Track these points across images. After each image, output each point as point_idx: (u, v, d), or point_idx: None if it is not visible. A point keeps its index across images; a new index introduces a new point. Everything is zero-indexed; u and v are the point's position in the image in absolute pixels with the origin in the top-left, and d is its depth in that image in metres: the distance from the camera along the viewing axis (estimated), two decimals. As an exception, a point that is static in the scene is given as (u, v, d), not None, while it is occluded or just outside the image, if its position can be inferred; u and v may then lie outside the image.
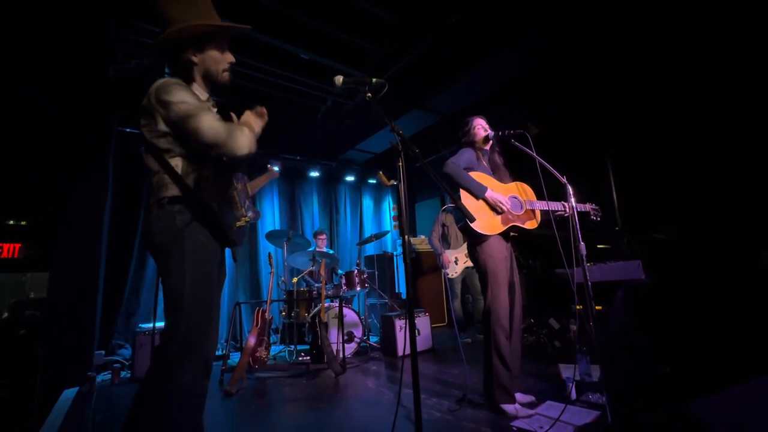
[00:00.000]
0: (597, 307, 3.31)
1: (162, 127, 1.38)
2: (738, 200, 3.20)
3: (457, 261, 4.53)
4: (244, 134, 1.41)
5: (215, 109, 1.60)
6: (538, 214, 2.44)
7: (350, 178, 6.73)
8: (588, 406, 2.16)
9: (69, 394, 3.01)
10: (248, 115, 1.53)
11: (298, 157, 5.94)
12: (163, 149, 1.40)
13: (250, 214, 1.62)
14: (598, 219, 2.48)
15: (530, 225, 2.39)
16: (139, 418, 1.28)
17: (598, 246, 4.01)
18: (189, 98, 1.38)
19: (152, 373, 1.32)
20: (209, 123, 1.34)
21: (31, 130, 3.66)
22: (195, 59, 1.49)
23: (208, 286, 1.42)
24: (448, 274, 4.55)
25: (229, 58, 1.57)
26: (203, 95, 1.54)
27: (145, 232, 1.44)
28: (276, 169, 2.51)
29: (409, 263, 1.36)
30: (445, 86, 4.21)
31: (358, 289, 4.34)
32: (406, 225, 1.38)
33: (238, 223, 1.51)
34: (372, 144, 5.80)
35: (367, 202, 7.15)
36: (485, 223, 2.23)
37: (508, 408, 2.13)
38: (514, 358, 2.27)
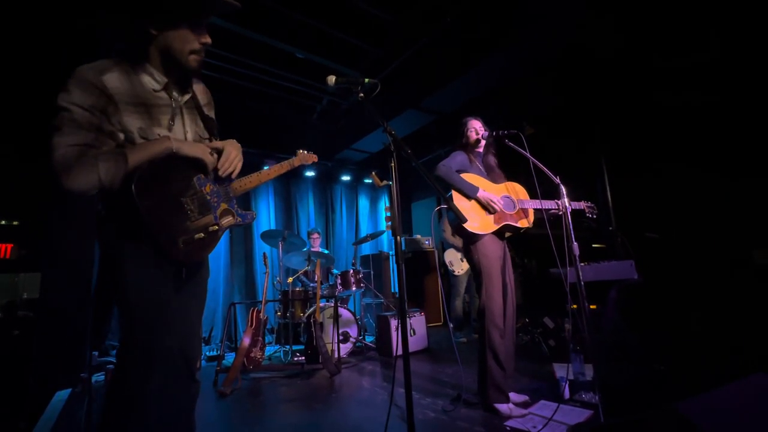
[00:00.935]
0: (592, 306, 3.33)
1: None
2: (730, 199, 3.23)
3: (463, 259, 4.54)
4: (83, 173, 1.12)
5: (184, 98, 1.38)
6: (530, 213, 2.45)
7: (346, 178, 6.72)
8: (581, 406, 2.18)
9: (62, 395, 3.00)
10: (226, 144, 1.39)
11: (293, 157, 5.92)
12: None
13: (228, 219, 1.42)
14: (594, 216, 2.49)
15: (523, 224, 2.40)
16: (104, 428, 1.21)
17: (594, 245, 4.03)
18: (75, 99, 1.16)
19: (112, 384, 1.24)
20: (57, 143, 1.11)
21: (22, 128, 3.62)
22: (153, 32, 1.23)
23: (154, 288, 1.26)
24: (454, 272, 4.57)
25: (205, 38, 1.30)
26: (155, 82, 1.29)
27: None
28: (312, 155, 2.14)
29: (402, 263, 1.36)
30: (441, 86, 4.21)
31: (354, 288, 4.34)
32: (399, 225, 1.38)
33: (197, 236, 1.29)
34: (368, 143, 5.79)
35: (363, 202, 7.14)
36: (478, 222, 2.24)
37: (502, 407, 2.13)
38: (508, 358, 2.28)
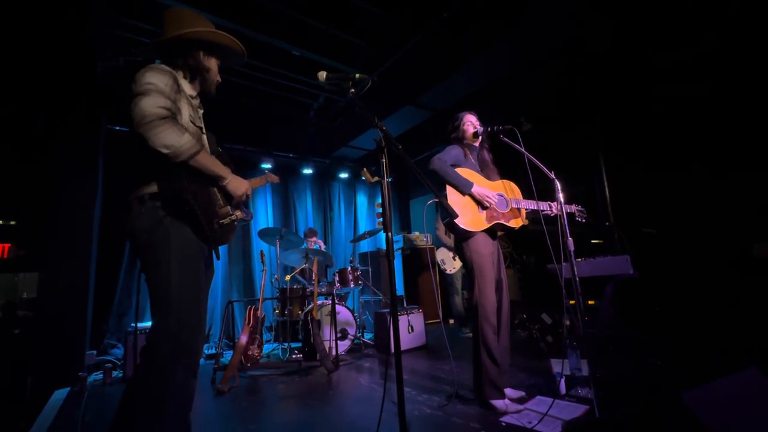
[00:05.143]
0: (590, 302, 3.33)
1: None
2: (729, 194, 3.22)
3: (455, 257, 4.55)
4: (174, 133, 1.28)
5: (201, 110, 1.66)
6: (523, 212, 2.45)
7: (344, 175, 6.71)
8: (577, 401, 2.18)
9: (60, 394, 3.00)
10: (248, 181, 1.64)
11: (291, 155, 5.92)
12: (141, 142, 1.29)
13: (237, 212, 1.60)
14: (583, 221, 2.49)
15: (515, 223, 2.39)
16: (129, 421, 1.24)
17: (592, 241, 4.03)
18: (156, 80, 1.33)
19: (142, 373, 1.28)
20: (148, 103, 1.26)
21: (18, 129, 3.62)
22: (205, 62, 1.56)
23: (196, 284, 1.39)
24: (446, 270, 4.57)
25: (218, 77, 1.68)
26: (192, 89, 1.59)
27: (127, 229, 1.40)
28: (275, 176, 2.29)
29: (393, 260, 1.36)
30: (437, 82, 4.20)
31: (352, 286, 4.34)
32: (390, 221, 1.37)
33: (222, 221, 1.48)
34: (365, 141, 5.78)
35: (361, 199, 7.13)
36: (469, 219, 2.23)
37: (498, 403, 2.14)
38: (503, 354, 2.28)
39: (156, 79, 1.33)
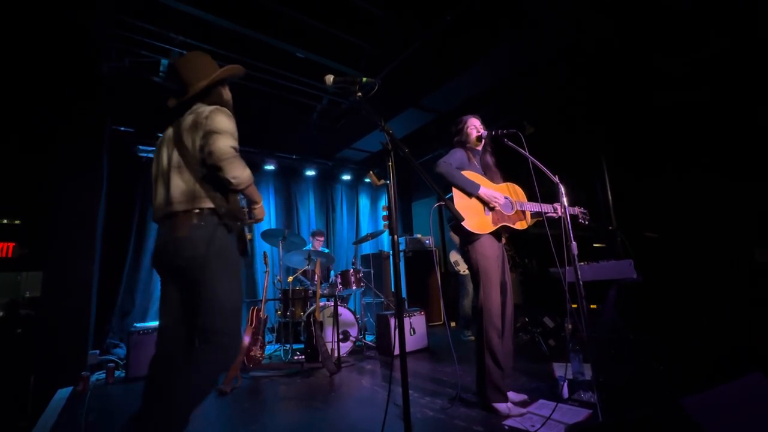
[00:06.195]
0: (592, 306, 3.33)
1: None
2: (731, 198, 3.22)
3: None
4: (241, 167, 1.55)
5: None
6: (528, 214, 2.45)
7: (346, 177, 6.72)
8: (579, 405, 2.17)
9: (63, 393, 3.01)
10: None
11: (294, 156, 5.94)
12: (200, 162, 1.55)
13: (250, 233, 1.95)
14: (587, 223, 2.49)
15: (520, 226, 2.40)
16: (161, 410, 1.38)
17: (595, 245, 4.03)
18: (229, 124, 1.59)
19: (188, 370, 1.43)
20: (226, 143, 1.52)
21: (23, 128, 3.64)
22: (225, 95, 1.83)
23: (241, 294, 1.62)
24: (460, 271, 4.58)
25: None
26: None
27: (179, 235, 1.51)
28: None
29: (399, 263, 1.36)
30: (440, 84, 4.21)
31: (354, 288, 4.34)
32: (396, 224, 1.38)
33: (248, 236, 1.74)
34: (368, 143, 5.79)
35: (364, 201, 7.14)
36: (475, 222, 2.24)
37: (501, 407, 2.14)
38: (506, 357, 2.28)
39: (228, 123, 1.59)
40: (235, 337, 1.52)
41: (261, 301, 3.70)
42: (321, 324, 3.57)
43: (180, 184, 1.56)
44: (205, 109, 1.61)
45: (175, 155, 1.59)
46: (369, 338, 4.68)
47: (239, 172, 1.53)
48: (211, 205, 1.56)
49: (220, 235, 1.55)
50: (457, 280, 4.76)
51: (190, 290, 1.53)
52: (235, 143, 1.57)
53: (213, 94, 1.76)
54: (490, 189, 2.31)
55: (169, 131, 1.71)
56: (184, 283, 1.55)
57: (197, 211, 1.54)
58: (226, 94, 1.84)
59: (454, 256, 4.63)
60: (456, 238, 4.56)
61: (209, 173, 1.55)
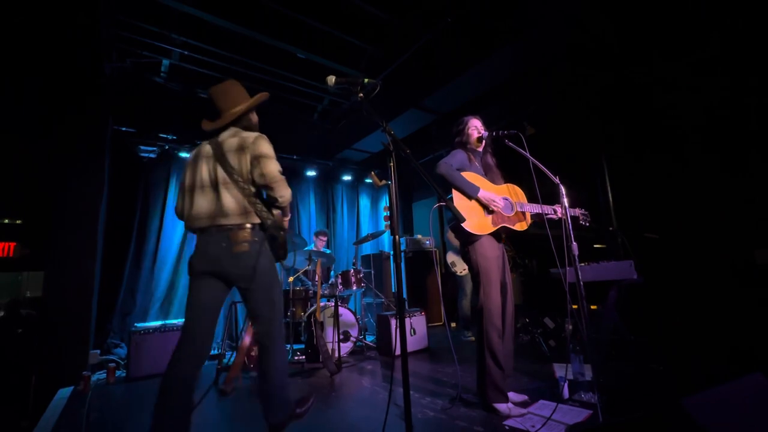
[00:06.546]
0: (593, 307, 3.34)
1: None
2: (732, 200, 3.22)
3: None
4: (287, 188, 1.84)
5: None
6: (528, 216, 2.46)
7: (347, 178, 6.73)
8: (580, 405, 2.18)
9: (64, 393, 3.02)
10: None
11: (294, 156, 5.94)
12: (249, 181, 1.80)
13: None
14: (587, 224, 2.49)
15: (520, 227, 2.40)
16: (271, 374, 1.87)
17: (595, 246, 4.03)
18: (272, 151, 1.86)
19: (271, 352, 1.85)
20: (277, 167, 1.82)
21: (25, 128, 3.65)
22: (254, 119, 2.08)
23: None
24: (457, 272, 4.58)
25: None
26: None
27: (238, 240, 1.74)
28: None
29: (400, 263, 1.37)
30: (441, 85, 4.21)
31: (355, 288, 4.35)
32: (397, 224, 1.39)
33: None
34: (369, 143, 5.80)
35: (364, 202, 7.15)
36: (476, 223, 2.24)
37: (501, 407, 2.14)
38: (507, 358, 2.28)
39: (271, 148, 1.85)
40: (282, 335, 1.92)
41: (262, 301, 3.69)
42: (321, 324, 3.57)
43: (230, 199, 1.76)
44: (249, 134, 1.87)
45: (220, 172, 1.78)
46: (369, 339, 4.68)
47: (286, 192, 1.83)
48: (259, 220, 1.79)
49: (267, 246, 1.83)
50: (455, 281, 4.76)
51: (245, 296, 1.82)
52: (280, 167, 1.84)
53: (244, 119, 1.99)
54: (489, 191, 2.32)
55: (207, 148, 1.88)
56: (241, 292, 1.82)
57: (249, 226, 1.77)
58: (254, 117, 2.08)
59: (451, 257, 4.64)
60: (453, 240, 4.58)
61: (257, 191, 1.82)
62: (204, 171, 1.82)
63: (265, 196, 1.86)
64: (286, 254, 1.98)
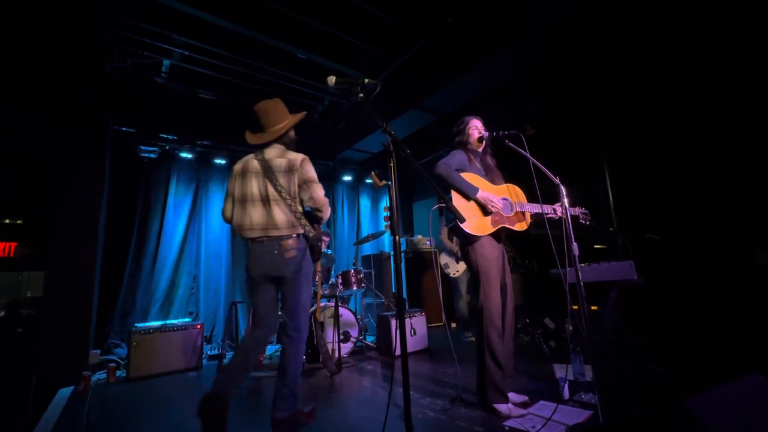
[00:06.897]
0: (593, 307, 3.33)
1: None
2: (733, 201, 3.22)
3: (458, 260, 4.55)
4: (329, 209, 2.21)
5: None
6: (528, 215, 2.45)
7: (347, 178, 6.73)
8: (580, 406, 2.18)
9: (64, 393, 3.02)
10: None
11: (295, 157, 5.93)
12: (297, 199, 2.13)
13: None
14: (587, 223, 2.49)
15: (519, 227, 2.40)
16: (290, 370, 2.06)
17: (595, 246, 4.03)
18: (316, 174, 2.17)
19: (294, 342, 2.10)
20: (322, 191, 2.17)
21: (26, 128, 3.66)
22: (291, 134, 2.32)
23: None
24: (450, 274, 4.58)
25: None
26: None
27: (287, 247, 2.07)
28: None
29: (401, 263, 1.37)
30: (441, 86, 4.21)
31: (355, 288, 4.35)
32: (397, 225, 1.39)
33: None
34: (369, 144, 5.80)
35: (365, 202, 7.15)
36: (475, 223, 2.24)
37: (501, 407, 2.14)
38: (507, 358, 2.28)
39: (315, 172, 2.18)
40: (306, 329, 2.16)
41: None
42: (322, 324, 3.57)
43: (280, 213, 2.08)
44: (296, 157, 2.16)
45: (271, 190, 2.09)
46: (369, 339, 4.68)
47: (327, 212, 2.18)
48: (302, 231, 2.12)
49: (307, 253, 2.16)
50: (450, 282, 4.76)
51: (284, 293, 2.11)
52: (323, 190, 2.19)
53: (285, 136, 2.25)
54: (488, 192, 2.31)
55: (254, 163, 2.16)
56: (283, 288, 2.11)
57: (296, 236, 2.10)
58: (292, 133, 2.32)
59: (444, 259, 4.64)
60: (446, 241, 4.58)
61: (303, 209, 2.16)
62: (254, 186, 2.12)
63: (307, 209, 2.18)
64: (320, 258, 2.38)
